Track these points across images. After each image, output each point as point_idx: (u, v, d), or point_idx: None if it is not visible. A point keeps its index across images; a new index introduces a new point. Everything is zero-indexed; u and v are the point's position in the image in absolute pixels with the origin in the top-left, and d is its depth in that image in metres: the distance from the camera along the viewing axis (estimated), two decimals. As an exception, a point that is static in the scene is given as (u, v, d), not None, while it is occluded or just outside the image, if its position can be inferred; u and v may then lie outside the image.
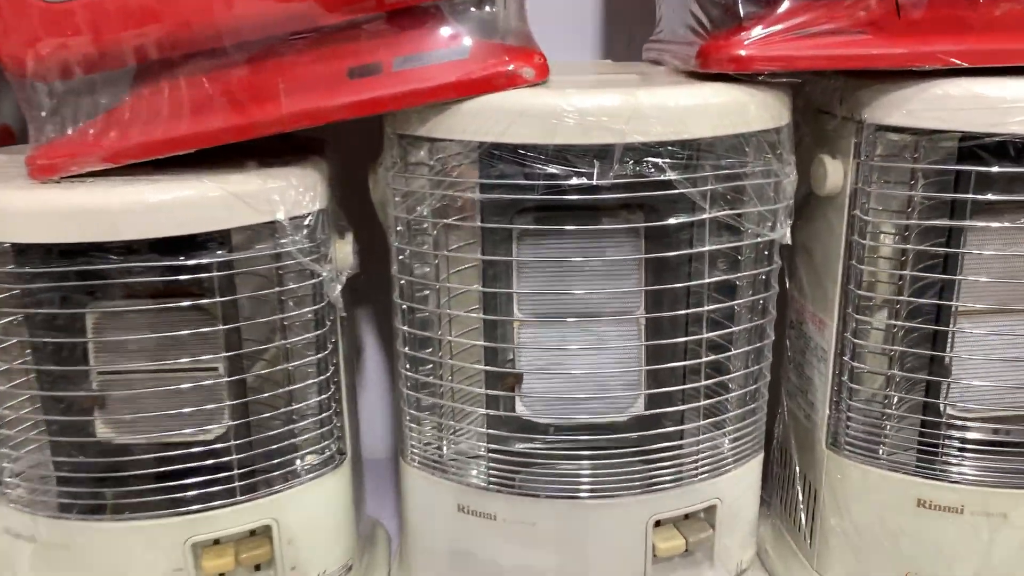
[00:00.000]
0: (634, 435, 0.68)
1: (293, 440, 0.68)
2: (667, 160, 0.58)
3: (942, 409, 0.67)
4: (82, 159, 0.60)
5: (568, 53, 0.89)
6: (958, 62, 0.58)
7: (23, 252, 0.60)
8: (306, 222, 0.62)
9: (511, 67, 0.58)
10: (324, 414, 0.69)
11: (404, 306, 0.66)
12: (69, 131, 0.61)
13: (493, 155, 0.59)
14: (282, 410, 0.67)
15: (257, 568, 0.69)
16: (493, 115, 0.57)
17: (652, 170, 0.58)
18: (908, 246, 0.65)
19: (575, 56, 0.91)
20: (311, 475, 0.69)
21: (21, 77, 0.58)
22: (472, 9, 0.58)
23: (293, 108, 0.58)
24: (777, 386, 0.80)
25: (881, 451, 0.69)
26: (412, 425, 0.69)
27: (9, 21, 0.58)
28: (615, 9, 0.90)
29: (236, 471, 0.65)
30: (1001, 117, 0.58)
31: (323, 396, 0.68)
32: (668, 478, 0.67)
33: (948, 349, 0.66)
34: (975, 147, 0.60)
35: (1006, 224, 0.63)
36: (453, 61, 0.59)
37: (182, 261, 0.60)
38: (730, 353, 0.68)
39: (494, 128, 0.57)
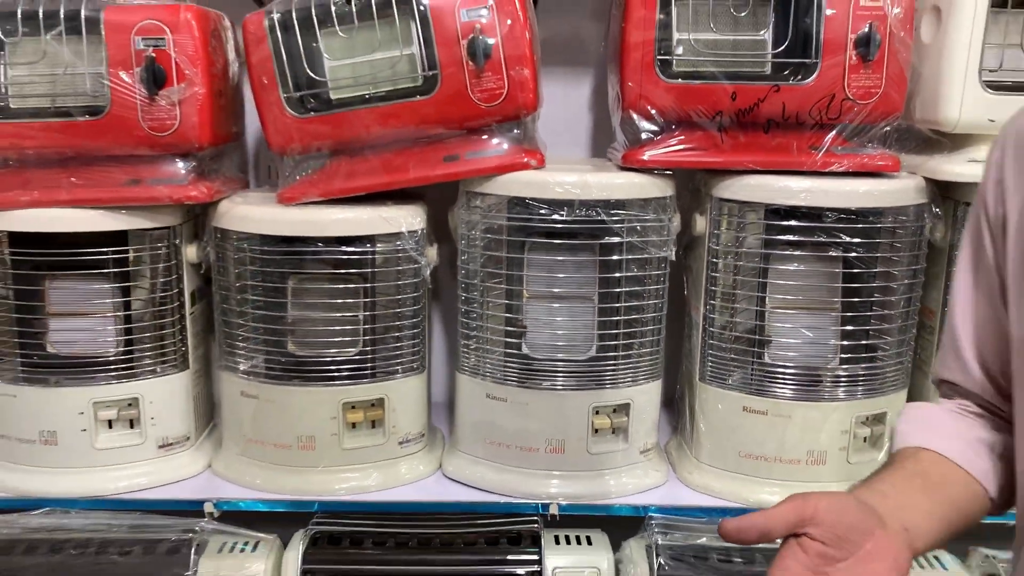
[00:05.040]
0: (588, 364, 1.22)
1: (399, 350, 1.23)
2: (602, 210, 1.13)
3: (763, 357, 1.20)
4: (306, 194, 1.17)
5: (569, 148, 1.45)
6: (754, 166, 1.13)
7: (265, 239, 1.17)
8: (415, 233, 1.18)
9: (526, 159, 1.15)
10: (416, 341, 1.24)
11: (463, 284, 1.22)
12: (298, 178, 1.19)
13: (514, 202, 1.15)
14: (395, 336, 1.22)
15: (373, 425, 1.24)
16: (516, 182, 1.13)
17: (595, 214, 1.14)
18: (741, 263, 1.19)
19: (575, 149, 1.47)
20: (408, 373, 1.23)
21: (281, 154, 1.16)
22: (509, 131, 1.15)
23: (415, 175, 1.15)
24: (680, 353, 1.34)
25: (729, 380, 1.22)
26: (464, 351, 1.24)
27: (273, 126, 1.16)
28: (600, 126, 1.46)
29: (367, 368, 1.20)
30: (780, 196, 1.12)
31: (416, 329, 1.23)
32: (605, 384, 1.20)
33: (766, 323, 1.19)
34: (770, 211, 1.14)
35: (797, 252, 1.17)
36: (497, 154, 1.15)
37: (352, 250, 1.16)
38: (642, 317, 1.22)
39: (515, 188, 1.13)
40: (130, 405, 1.20)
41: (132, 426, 1.22)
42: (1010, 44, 1.11)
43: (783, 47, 1.12)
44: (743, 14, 1.13)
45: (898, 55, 1.09)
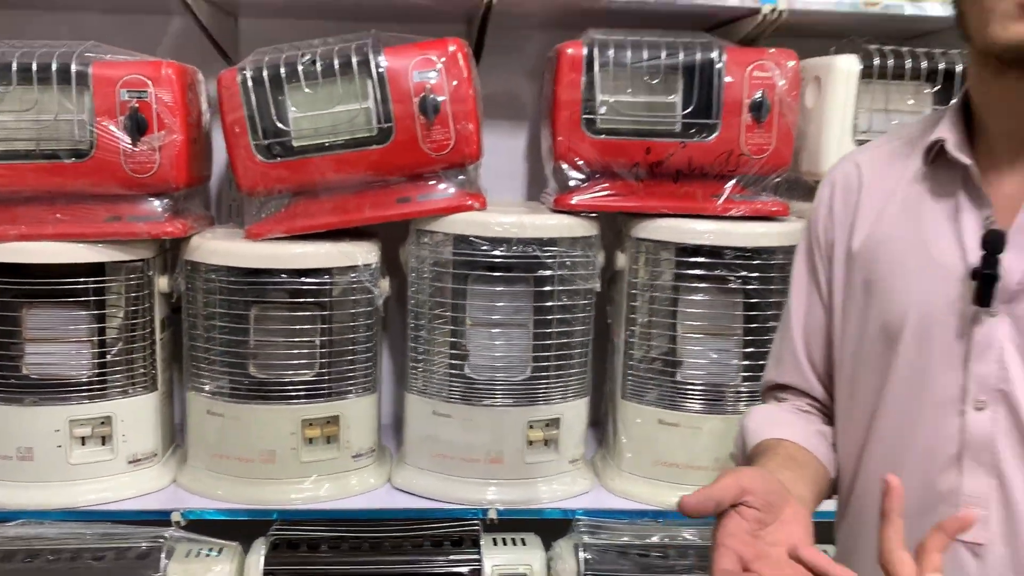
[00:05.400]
0: (524, 383, 1.37)
1: (353, 373, 1.36)
2: (536, 247, 1.29)
3: (676, 377, 1.37)
4: (271, 231, 1.30)
5: (508, 192, 1.62)
6: (666, 211, 1.31)
7: (233, 271, 1.30)
8: (370, 267, 1.32)
9: (469, 202, 1.31)
10: (369, 364, 1.37)
11: (413, 312, 1.36)
12: (263, 216, 1.32)
13: (459, 239, 1.30)
14: (350, 360, 1.35)
15: (328, 440, 1.36)
16: (460, 221, 1.29)
17: (530, 251, 1.30)
18: (656, 295, 1.36)
19: (513, 193, 1.63)
20: (361, 393, 1.36)
21: (250, 195, 1.30)
22: (454, 176, 1.30)
23: (371, 215, 1.30)
24: (604, 373, 1.50)
25: (646, 397, 1.38)
26: (413, 373, 1.38)
27: (243, 169, 1.29)
28: (535, 173, 1.63)
29: (323, 389, 1.33)
30: (688, 237, 1.30)
31: (369, 353, 1.37)
32: (539, 402, 1.35)
33: (678, 346, 1.36)
34: (680, 249, 1.32)
35: (703, 285, 1.35)
36: (444, 197, 1.31)
37: (312, 281, 1.30)
38: (571, 342, 1.38)
39: (460, 227, 1.29)
40: (103, 423, 1.31)
41: (104, 443, 1.32)
42: (876, 108, 1.32)
43: (690, 109, 1.31)
44: (656, 81, 1.32)
45: (786, 117, 1.29)
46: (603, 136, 1.31)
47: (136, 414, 1.34)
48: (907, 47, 1.32)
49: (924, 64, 1.31)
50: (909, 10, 1.32)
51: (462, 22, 1.53)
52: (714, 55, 1.29)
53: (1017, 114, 0.70)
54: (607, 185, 1.33)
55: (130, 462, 1.33)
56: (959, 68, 1.30)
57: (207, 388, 1.34)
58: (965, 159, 0.73)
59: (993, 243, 0.69)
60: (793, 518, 0.66)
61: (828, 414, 0.87)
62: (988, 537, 0.71)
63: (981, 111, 0.74)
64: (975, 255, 0.71)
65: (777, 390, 0.91)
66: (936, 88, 1.33)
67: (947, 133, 0.74)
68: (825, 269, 0.84)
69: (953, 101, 0.78)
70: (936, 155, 0.76)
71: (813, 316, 0.86)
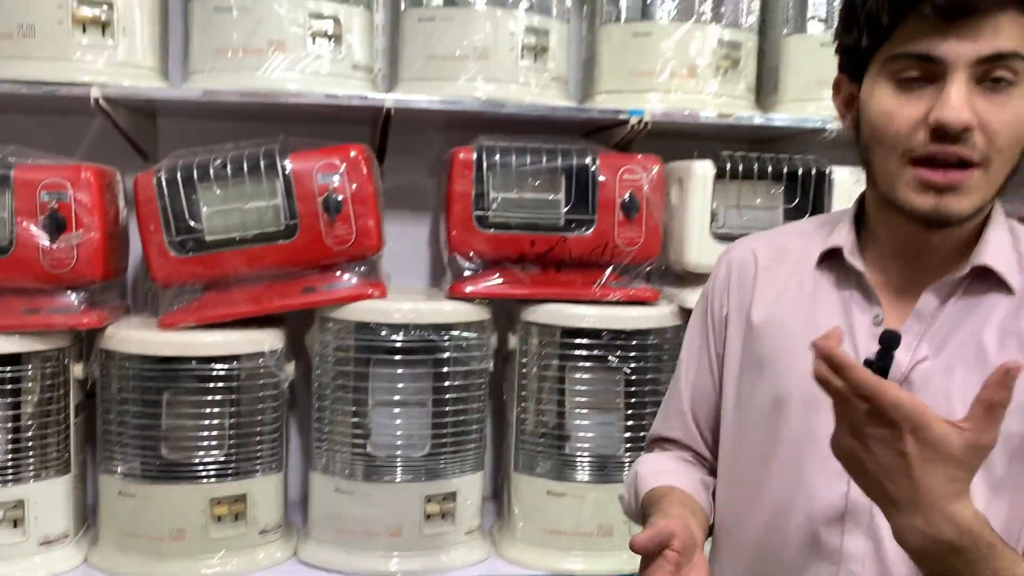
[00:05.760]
0: (423, 459, 1.47)
1: (259, 453, 1.44)
2: (433, 332, 1.41)
3: (564, 449, 1.49)
4: (183, 321, 1.39)
5: (411, 278, 1.74)
6: (550, 297, 1.45)
7: (146, 359, 1.38)
8: (275, 352, 1.42)
9: (371, 291, 1.42)
10: (275, 444, 1.46)
11: (317, 394, 1.46)
12: (176, 307, 1.41)
13: (360, 325, 1.41)
14: (257, 440, 1.44)
15: (236, 517, 1.43)
16: (362, 309, 1.40)
17: (427, 335, 1.41)
18: (545, 373, 1.49)
19: (416, 278, 1.76)
20: (268, 472, 1.45)
21: (164, 287, 1.39)
22: (356, 267, 1.42)
23: (277, 304, 1.40)
24: (503, 447, 1.61)
25: (536, 469, 1.50)
26: (317, 452, 1.47)
27: (157, 264, 1.39)
28: (437, 258, 1.76)
29: (231, 469, 1.41)
30: (571, 320, 1.44)
31: (276, 435, 1.46)
32: (437, 476, 1.45)
33: (566, 421, 1.48)
34: (564, 331, 1.46)
35: (587, 364, 1.48)
36: (347, 287, 1.42)
37: (221, 367, 1.39)
38: (468, 418, 1.49)
39: (361, 314, 1.40)
40: (15, 507, 1.36)
41: (16, 525, 1.36)
42: (730, 206, 1.50)
43: (570, 206, 1.46)
44: (539, 182, 1.47)
45: (653, 214, 1.45)
46: (493, 230, 1.45)
47: (49, 496, 1.39)
48: (757, 152, 1.51)
49: (771, 167, 1.49)
50: (758, 120, 1.51)
51: (367, 124, 1.67)
52: (588, 160, 1.45)
53: (909, 240, 0.82)
54: (498, 274, 1.47)
55: (41, 543, 1.38)
56: (801, 171, 1.49)
57: (119, 470, 1.40)
58: (859, 266, 0.84)
59: (889, 342, 0.77)
60: (700, 563, 0.76)
61: (708, 465, 0.97)
62: None
63: (876, 227, 0.85)
64: (864, 346, 0.82)
65: (663, 441, 1.00)
66: (783, 188, 1.51)
67: (843, 240, 0.86)
68: (716, 340, 0.94)
69: (850, 208, 0.88)
70: (831, 255, 0.87)
71: (701, 378, 0.96)
